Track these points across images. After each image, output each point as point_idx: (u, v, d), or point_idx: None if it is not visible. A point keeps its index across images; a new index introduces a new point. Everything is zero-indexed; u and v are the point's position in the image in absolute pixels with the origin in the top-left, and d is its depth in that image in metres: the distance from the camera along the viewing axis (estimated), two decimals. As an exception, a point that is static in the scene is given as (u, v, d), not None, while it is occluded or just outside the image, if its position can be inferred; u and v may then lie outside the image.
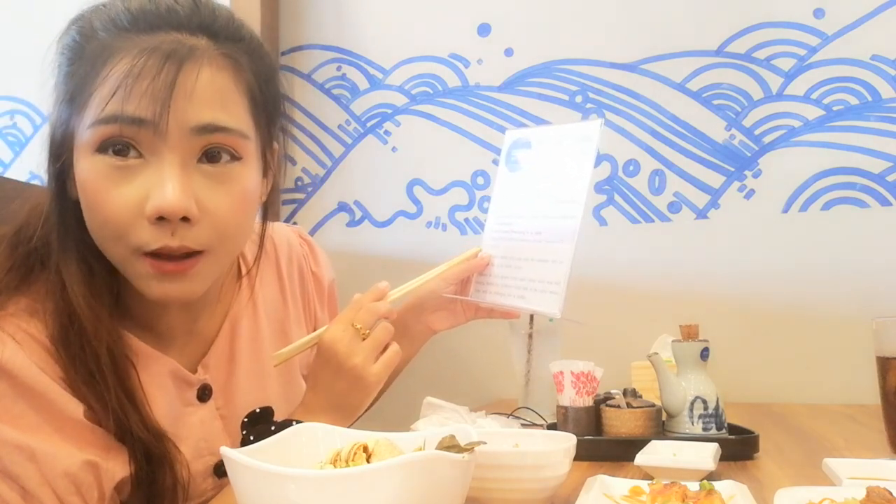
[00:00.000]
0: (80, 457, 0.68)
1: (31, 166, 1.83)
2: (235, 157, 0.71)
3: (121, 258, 0.70)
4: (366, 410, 0.86)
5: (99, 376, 0.70)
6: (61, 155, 0.71)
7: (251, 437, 0.72)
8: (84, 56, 0.69)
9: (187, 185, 0.67)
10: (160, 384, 0.78)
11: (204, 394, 0.82)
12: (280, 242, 0.98)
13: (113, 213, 0.67)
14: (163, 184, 0.66)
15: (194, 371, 0.82)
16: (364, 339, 0.83)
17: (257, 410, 0.77)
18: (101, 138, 0.66)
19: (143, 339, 0.77)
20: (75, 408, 0.69)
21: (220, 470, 0.81)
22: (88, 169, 0.67)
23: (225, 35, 0.71)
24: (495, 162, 1.45)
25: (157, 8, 0.69)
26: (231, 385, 0.86)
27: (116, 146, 0.66)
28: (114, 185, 0.67)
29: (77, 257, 0.72)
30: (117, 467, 0.71)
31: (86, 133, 0.67)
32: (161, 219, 0.66)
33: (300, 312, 0.99)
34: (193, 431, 0.81)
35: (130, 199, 0.66)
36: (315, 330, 0.94)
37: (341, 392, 0.82)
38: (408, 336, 1.06)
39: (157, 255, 0.68)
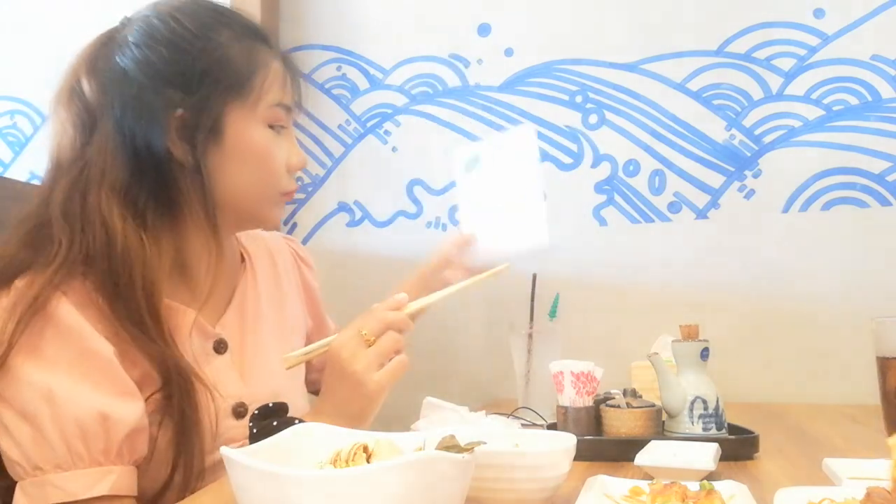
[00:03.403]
0: (95, 406, 0.74)
1: (32, 166, 1.84)
2: None
3: (268, 199, 0.91)
4: None
5: (137, 300, 0.79)
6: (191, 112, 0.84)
7: (255, 430, 0.72)
8: (194, 50, 0.84)
9: None
10: (182, 332, 0.85)
11: (220, 346, 0.89)
12: (272, 242, 1.09)
13: (277, 168, 0.90)
14: (297, 148, 0.94)
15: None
16: (369, 347, 0.83)
17: (270, 405, 0.77)
18: (276, 119, 0.89)
19: (170, 294, 0.85)
20: (106, 348, 0.76)
21: (237, 411, 0.87)
22: (260, 137, 0.88)
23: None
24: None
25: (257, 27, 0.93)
26: (243, 347, 0.93)
27: (280, 124, 0.90)
28: (276, 149, 0.90)
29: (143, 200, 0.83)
30: (129, 414, 0.76)
31: (259, 110, 0.87)
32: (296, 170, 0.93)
33: (294, 290, 1.08)
34: (210, 377, 0.84)
35: (282, 159, 0.91)
36: (313, 307, 1.09)
37: (344, 398, 0.82)
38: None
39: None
